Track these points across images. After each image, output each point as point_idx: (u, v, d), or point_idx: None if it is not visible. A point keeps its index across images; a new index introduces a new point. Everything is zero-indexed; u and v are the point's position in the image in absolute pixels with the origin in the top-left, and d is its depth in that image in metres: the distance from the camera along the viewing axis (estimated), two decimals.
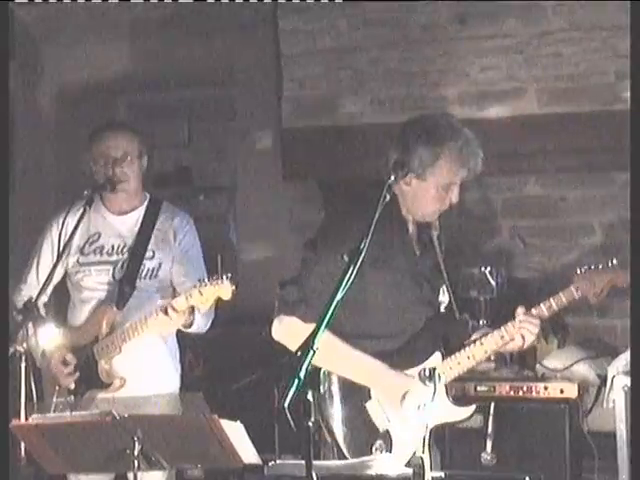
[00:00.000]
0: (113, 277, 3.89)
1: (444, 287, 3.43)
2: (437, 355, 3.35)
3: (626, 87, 4.55)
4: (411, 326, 3.35)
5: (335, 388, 3.28)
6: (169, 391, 3.96)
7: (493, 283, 4.68)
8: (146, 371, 3.87)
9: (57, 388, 3.74)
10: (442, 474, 2.91)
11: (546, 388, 4.34)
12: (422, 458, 2.72)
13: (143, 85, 5.96)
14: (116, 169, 3.86)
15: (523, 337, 3.32)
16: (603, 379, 4.33)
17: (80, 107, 5.85)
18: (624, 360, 4.20)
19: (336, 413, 3.27)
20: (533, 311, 3.33)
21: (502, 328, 3.34)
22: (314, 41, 5.19)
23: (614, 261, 3.37)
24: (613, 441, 4.10)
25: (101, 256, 3.92)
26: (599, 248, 5.02)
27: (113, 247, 3.93)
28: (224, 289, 3.50)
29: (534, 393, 4.35)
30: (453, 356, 3.33)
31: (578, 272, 3.38)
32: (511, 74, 4.89)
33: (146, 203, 4.01)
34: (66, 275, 3.97)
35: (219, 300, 3.59)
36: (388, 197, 3.05)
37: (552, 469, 4.21)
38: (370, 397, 3.28)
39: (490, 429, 4.24)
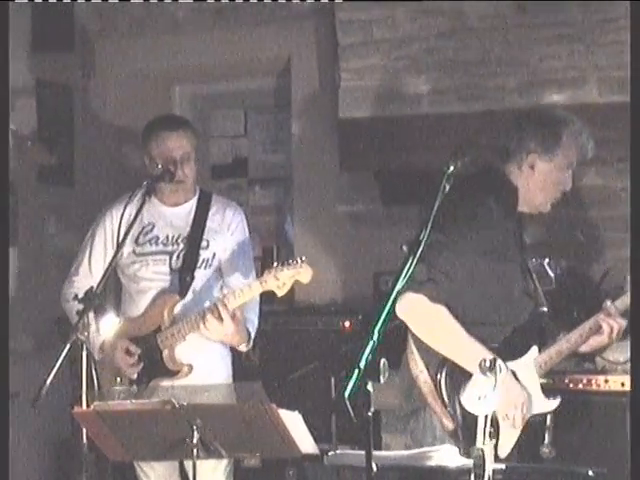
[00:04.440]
0: (170, 267, 3.91)
1: (536, 280, 3.50)
2: (534, 349, 3.37)
3: None
4: (517, 317, 3.40)
5: (457, 374, 3.32)
6: (222, 380, 3.98)
7: (552, 274, 4.62)
8: (202, 360, 3.88)
9: (118, 379, 3.77)
10: (503, 466, 2.89)
11: (607, 381, 4.28)
12: (483, 450, 2.70)
13: (199, 76, 5.99)
14: (178, 171, 3.87)
15: (611, 329, 3.40)
16: None
17: (136, 99, 5.89)
18: None
19: (458, 400, 3.32)
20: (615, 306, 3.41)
21: (588, 322, 3.43)
22: (371, 31, 5.16)
23: None
24: None
25: (157, 246, 3.94)
26: None
27: (168, 237, 3.95)
28: (304, 272, 3.51)
29: (594, 386, 4.29)
30: (547, 350, 3.39)
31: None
32: (571, 63, 4.81)
33: (197, 195, 4.03)
34: (117, 266, 3.98)
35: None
36: (447, 187, 3.05)
37: (612, 463, 4.14)
38: None
39: (549, 421, 4.19)
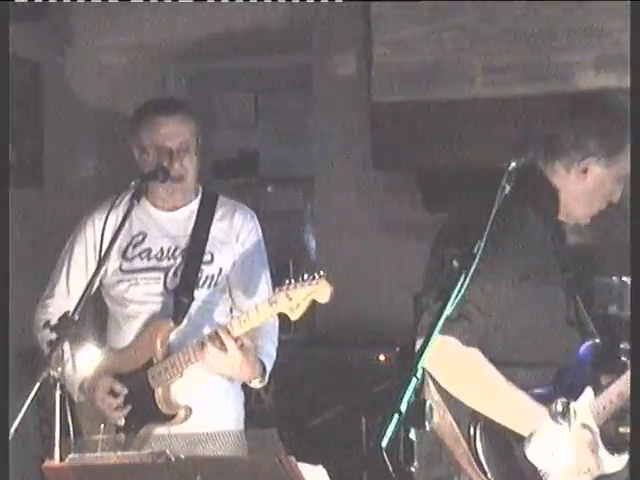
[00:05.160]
0: (165, 287, 3.92)
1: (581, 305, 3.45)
2: (589, 391, 3.31)
3: None
4: (564, 354, 3.34)
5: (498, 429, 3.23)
6: (232, 425, 3.97)
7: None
8: (204, 401, 3.89)
9: (101, 426, 3.78)
10: None
11: None
12: None
13: (199, 52, 6.01)
14: (174, 164, 3.87)
15: None
16: None
17: (122, 79, 5.92)
18: None
19: (492, 460, 3.21)
20: None
21: None
22: None
23: None
24: None
25: (149, 261, 3.95)
26: None
27: (162, 250, 3.95)
28: (321, 290, 3.50)
29: None
30: (605, 392, 3.29)
31: None
32: None
33: (199, 197, 4.03)
34: (101, 286, 3.99)
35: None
36: (508, 188, 3.04)
37: None
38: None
39: None
